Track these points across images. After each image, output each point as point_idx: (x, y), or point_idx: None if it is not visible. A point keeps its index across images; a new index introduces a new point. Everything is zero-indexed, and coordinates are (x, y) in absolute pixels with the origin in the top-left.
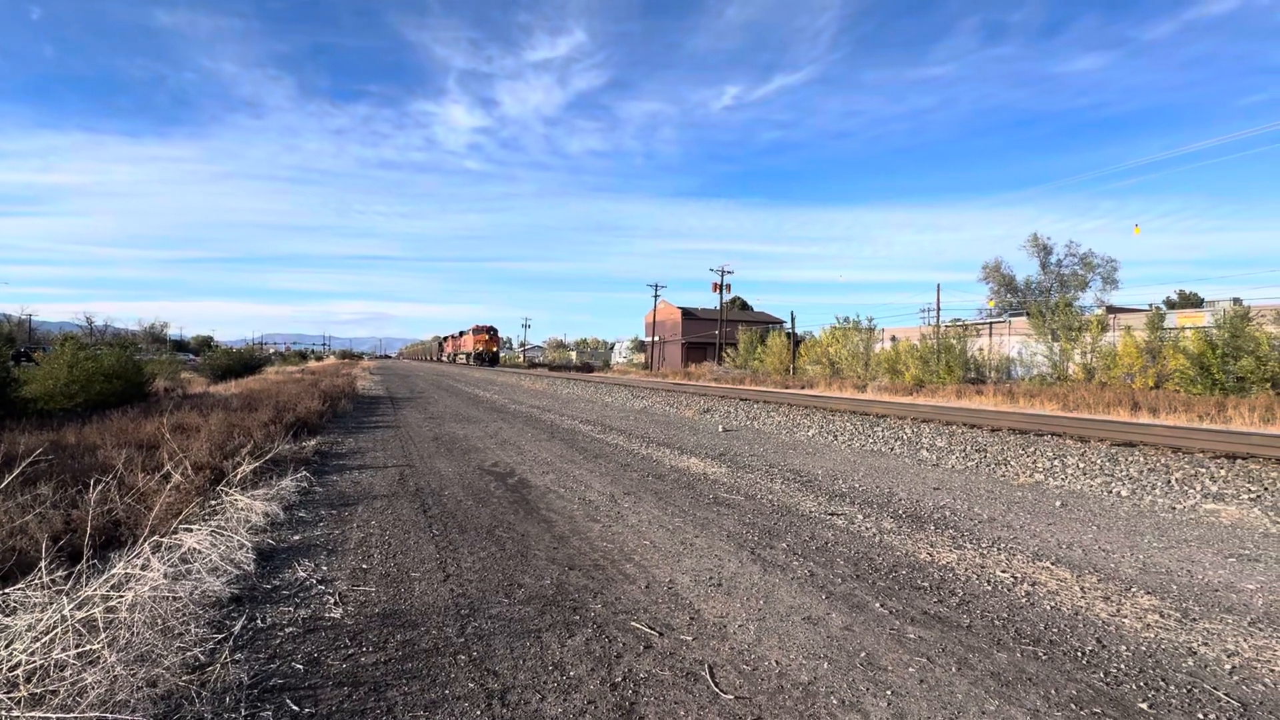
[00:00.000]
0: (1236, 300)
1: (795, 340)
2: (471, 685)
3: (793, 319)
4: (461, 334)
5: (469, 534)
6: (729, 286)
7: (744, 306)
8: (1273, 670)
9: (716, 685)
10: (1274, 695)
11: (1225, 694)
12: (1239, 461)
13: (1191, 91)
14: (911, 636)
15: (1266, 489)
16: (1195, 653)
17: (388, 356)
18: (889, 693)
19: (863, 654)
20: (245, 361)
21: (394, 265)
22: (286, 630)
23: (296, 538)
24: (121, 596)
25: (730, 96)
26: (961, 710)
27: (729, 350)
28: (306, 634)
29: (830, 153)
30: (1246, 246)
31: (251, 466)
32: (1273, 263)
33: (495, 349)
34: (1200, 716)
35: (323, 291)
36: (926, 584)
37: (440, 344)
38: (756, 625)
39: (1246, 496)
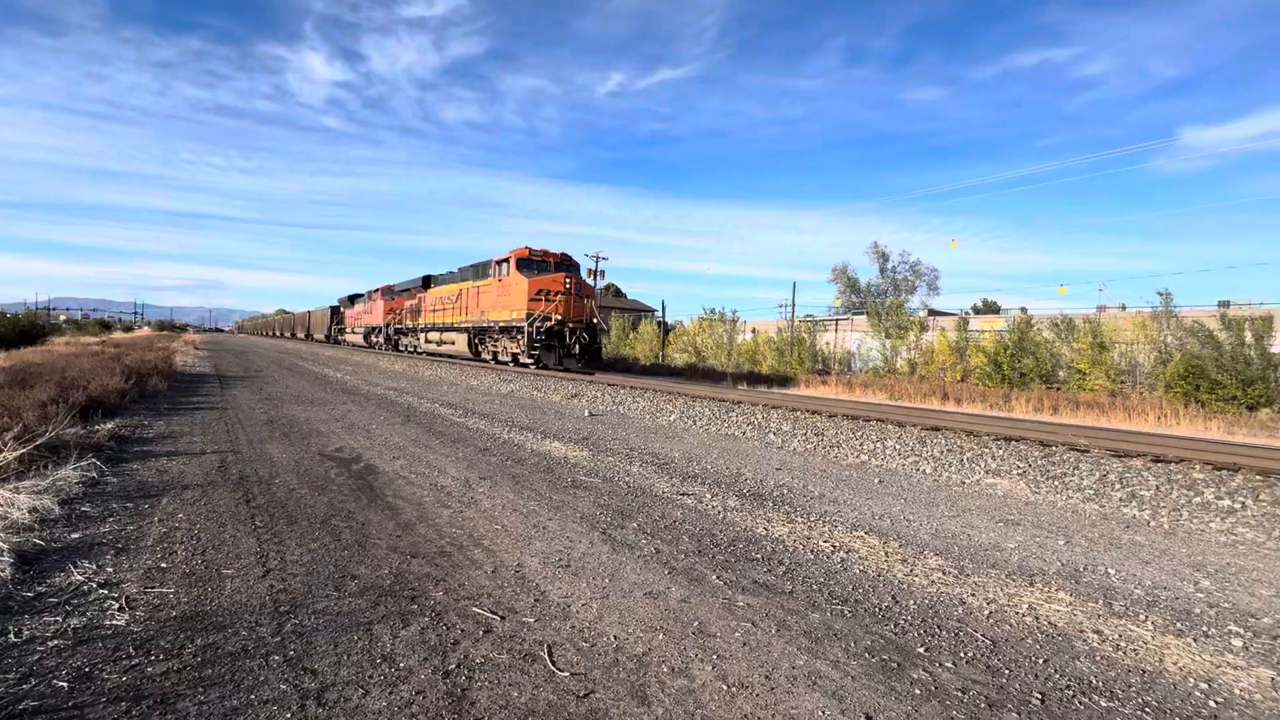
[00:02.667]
0: (1024, 309)
1: (665, 329)
2: (284, 687)
3: (664, 308)
4: (464, 277)
5: (300, 525)
6: (603, 273)
7: (618, 293)
8: (1017, 613)
9: (554, 664)
10: (1016, 633)
11: (982, 635)
12: (1013, 443)
13: (1005, 129)
14: (741, 604)
15: (1030, 466)
16: (964, 602)
17: (220, 330)
18: (715, 657)
19: (696, 624)
20: (22, 328)
21: (231, 227)
22: (50, 644)
23: (75, 536)
24: None
25: (615, 83)
26: (775, 667)
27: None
28: (77, 646)
29: (708, 150)
30: (1036, 264)
31: (17, 453)
32: (1052, 279)
33: (591, 318)
34: (962, 654)
35: (138, 251)
36: (759, 556)
37: (336, 312)
38: (600, 603)
39: (1016, 472)
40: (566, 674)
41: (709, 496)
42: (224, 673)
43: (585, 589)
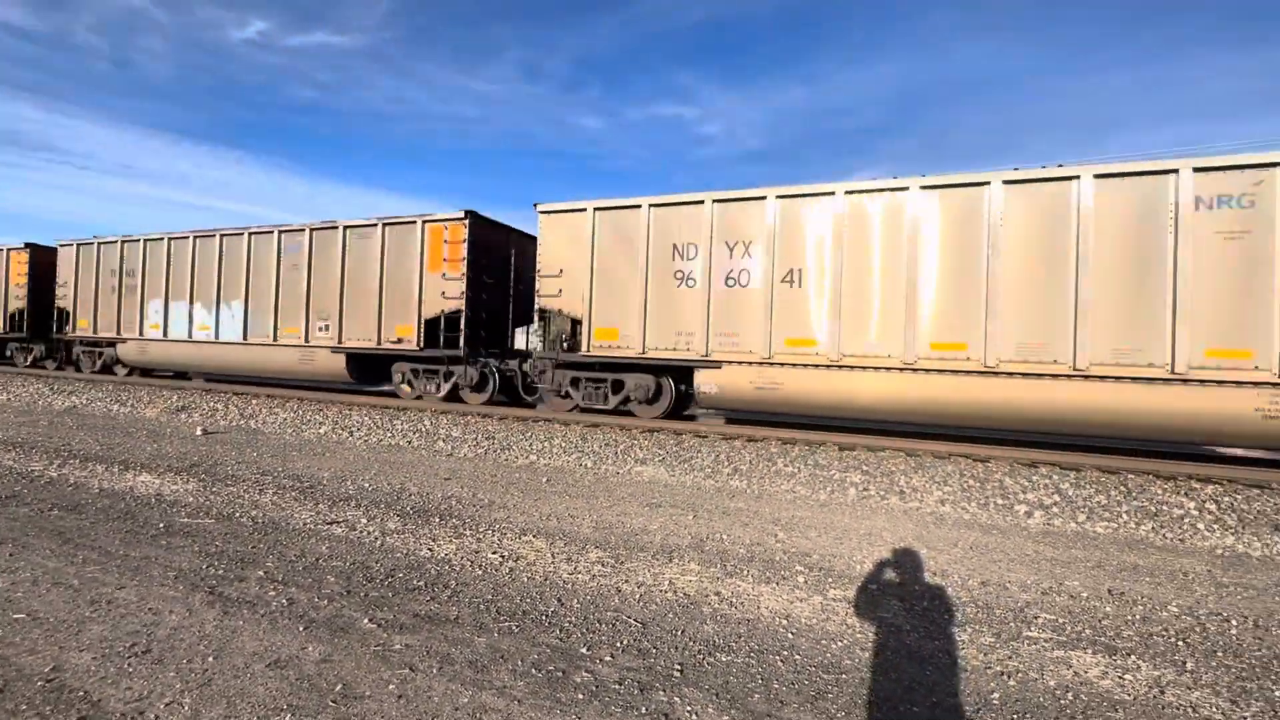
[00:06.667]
0: None
1: None
2: None
3: None
4: None
5: None
6: None
7: None
8: (660, 590)
9: None
10: (660, 610)
11: (633, 618)
12: (656, 435)
13: (651, 164)
14: (398, 648)
15: (668, 453)
16: (620, 590)
17: None
18: None
19: (339, 687)
20: None
21: None
22: None
23: None
24: None
25: (256, 31)
26: (437, 714)
27: None
28: None
29: (376, 133)
30: None
31: None
32: None
33: None
34: (618, 644)
35: None
36: (423, 583)
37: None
38: (196, 695)
39: (658, 460)
40: None
41: (364, 521)
42: None
43: (174, 679)
